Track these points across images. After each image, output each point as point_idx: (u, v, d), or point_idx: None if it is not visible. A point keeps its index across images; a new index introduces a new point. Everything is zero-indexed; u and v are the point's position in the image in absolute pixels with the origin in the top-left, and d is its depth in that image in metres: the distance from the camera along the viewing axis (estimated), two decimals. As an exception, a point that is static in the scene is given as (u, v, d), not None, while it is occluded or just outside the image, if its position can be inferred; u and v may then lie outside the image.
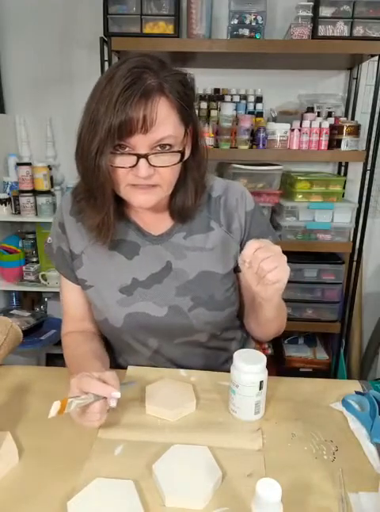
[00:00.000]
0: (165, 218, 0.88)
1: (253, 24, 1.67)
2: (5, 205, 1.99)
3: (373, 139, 1.73)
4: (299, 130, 1.74)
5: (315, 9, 1.62)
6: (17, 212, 1.98)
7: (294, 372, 2.01)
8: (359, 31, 1.63)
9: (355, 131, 1.74)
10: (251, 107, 1.90)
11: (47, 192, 1.95)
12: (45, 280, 2.01)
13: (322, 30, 1.62)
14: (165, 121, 0.71)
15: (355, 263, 1.90)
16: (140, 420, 0.75)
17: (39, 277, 2.02)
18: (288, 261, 0.70)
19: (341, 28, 1.63)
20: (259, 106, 1.91)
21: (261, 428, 0.73)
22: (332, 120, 1.79)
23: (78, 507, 0.57)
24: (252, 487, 0.49)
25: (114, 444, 0.69)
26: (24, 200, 1.93)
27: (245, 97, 1.91)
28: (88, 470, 0.64)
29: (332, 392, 0.84)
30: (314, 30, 1.62)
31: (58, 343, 0.99)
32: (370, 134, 1.73)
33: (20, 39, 2.02)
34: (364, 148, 1.74)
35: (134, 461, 0.66)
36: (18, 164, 1.95)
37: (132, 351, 0.93)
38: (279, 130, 1.73)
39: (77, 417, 0.67)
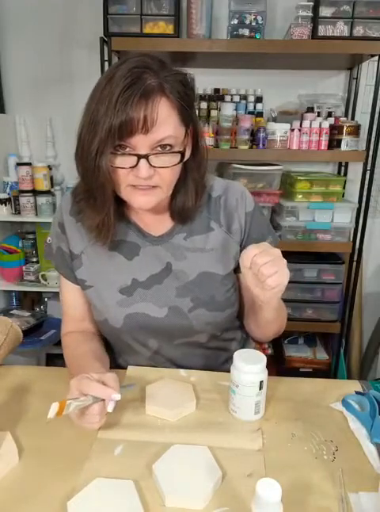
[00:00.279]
0: (165, 219, 0.88)
1: (253, 24, 1.67)
2: (5, 205, 1.99)
3: (373, 139, 1.73)
4: (299, 130, 1.74)
5: (315, 9, 1.62)
6: (17, 212, 1.98)
7: (294, 372, 2.01)
8: (359, 31, 1.63)
9: (355, 131, 1.74)
10: (251, 107, 1.90)
11: (47, 192, 1.95)
12: (45, 280, 2.01)
13: (322, 30, 1.62)
14: (165, 121, 0.71)
15: (355, 263, 1.90)
16: (140, 420, 0.75)
17: (39, 277, 2.02)
18: (288, 262, 0.70)
19: (341, 28, 1.63)
20: (259, 106, 1.91)
21: (261, 428, 0.73)
22: (332, 120, 1.79)
23: (78, 507, 0.57)
24: (252, 487, 0.49)
25: (114, 444, 0.69)
26: (24, 200, 1.94)
27: (245, 97, 1.91)
28: (88, 470, 0.64)
29: (332, 392, 0.84)
30: (314, 30, 1.62)
31: (58, 343, 0.99)
32: (370, 134, 1.73)
33: (20, 39, 2.02)
34: (364, 148, 1.74)
35: (134, 461, 0.66)
36: (18, 164, 1.95)
37: (132, 351, 0.93)
38: (279, 130, 1.73)
39: (77, 419, 0.67)
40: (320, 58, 1.72)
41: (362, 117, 1.85)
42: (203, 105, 1.84)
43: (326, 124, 1.73)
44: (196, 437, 0.70)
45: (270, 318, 0.85)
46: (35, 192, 1.94)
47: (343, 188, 1.86)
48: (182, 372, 0.89)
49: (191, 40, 1.71)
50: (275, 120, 1.89)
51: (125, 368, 0.90)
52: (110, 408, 0.66)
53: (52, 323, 2.05)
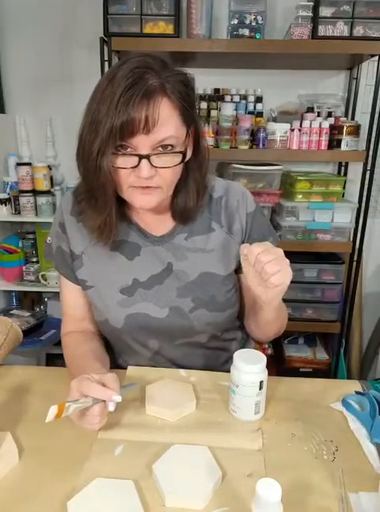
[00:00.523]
0: (166, 219, 0.88)
1: (253, 24, 1.67)
2: (5, 205, 1.99)
3: (373, 139, 1.73)
4: (299, 130, 1.74)
5: (315, 9, 1.62)
6: (17, 212, 1.98)
7: (294, 372, 2.01)
8: (359, 31, 1.63)
9: (355, 131, 1.74)
10: (251, 107, 1.90)
11: (47, 192, 1.95)
12: (45, 280, 2.01)
13: (322, 30, 1.62)
14: (167, 122, 0.71)
15: (355, 263, 1.90)
16: (140, 420, 0.75)
17: (39, 277, 2.02)
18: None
19: (341, 28, 1.63)
20: (259, 106, 1.91)
21: (261, 428, 0.73)
22: (332, 120, 1.79)
23: (78, 507, 0.57)
24: (252, 487, 0.49)
25: (114, 444, 0.69)
26: (24, 200, 1.94)
27: (245, 97, 1.91)
28: (88, 470, 0.64)
29: (332, 392, 0.84)
30: (314, 30, 1.62)
31: (58, 343, 0.99)
32: (370, 134, 1.73)
33: (20, 39, 2.02)
34: (364, 148, 1.74)
35: (134, 461, 0.66)
36: (18, 164, 1.95)
37: (132, 352, 0.93)
38: (279, 130, 1.73)
39: (77, 419, 0.67)
40: (320, 58, 1.72)
41: (362, 117, 1.85)
42: (203, 105, 1.84)
43: (326, 124, 1.73)
44: (196, 437, 0.70)
45: (270, 318, 0.85)
46: (35, 192, 1.94)
47: (343, 188, 1.86)
48: (182, 372, 0.89)
49: (191, 40, 1.71)
50: (275, 120, 1.89)
51: (125, 369, 0.90)
52: (111, 407, 0.66)
53: (52, 323, 2.05)
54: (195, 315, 0.86)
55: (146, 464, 0.64)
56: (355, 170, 1.98)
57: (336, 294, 1.92)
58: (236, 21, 1.67)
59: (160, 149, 0.73)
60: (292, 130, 1.74)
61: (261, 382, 0.73)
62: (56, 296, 2.08)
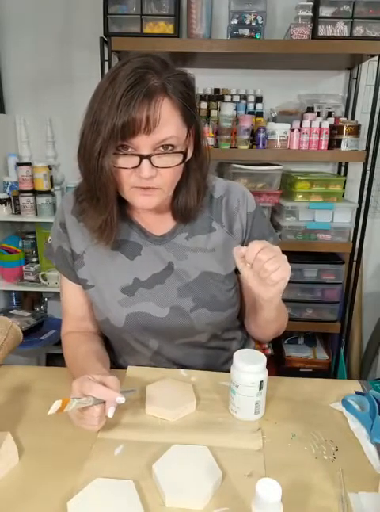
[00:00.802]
0: (167, 219, 0.88)
1: (253, 24, 1.67)
2: (5, 205, 1.98)
3: (373, 139, 1.73)
4: (299, 130, 1.74)
5: (315, 9, 1.61)
6: (17, 212, 1.98)
7: (294, 372, 2.01)
8: (358, 31, 1.63)
9: (355, 131, 1.74)
10: (251, 107, 1.90)
11: (47, 193, 1.95)
12: (45, 280, 2.02)
13: (322, 30, 1.62)
14: (168, 122, 0.71)
15: (355, 263, 1.90)
16: (140, 420, 0.75)
17: (39, 277, 2.02)
18: (288, 261, 0.71)
19: (341, 28, 1.62)
20: (259, 106, 1.91)
21: (261, 428, 0.73)
22: (332, 120, 1.79)
23: (78, 507, 0.57)
24: (252, 487, 0.49)
25: (114, 444, 0.69)
26: (24, 200, 1.94)
27: (245, 97, 1.91)
28: (88, 470, 0.64)
29: (332, 392, 0.84)
30: (314, 30, 1.62)
31: (58, 343, 0.99)
32: (370, 134, 1.73)
33: (21, 39, 2.02)
34: (364, 148, 1.74)
35: (134, 461, 0.66)
36: (18, 164, 1.95)
37: (133, 352, 0.93)
38: (279, 130, 1.73)
39: (77, 420, 0.68)
40: (320, 58, 1.72)
41: (362, 117, 1.85)
42: (203, 105, 1.84)
43: (326, 124, 1.73)
44: (196, 437, 0.70)
45: (271, 317, 0.85)
46: (35, 193, 1.94)
47: (344, 188, 1.86)
48: (182, 372, 0.89)
49: (191, 40, 1.71)
50: (275, 120, 1.89)
51: (125, 369, 0.90)
52: (110, 413, 0.66)
53: (52, 323, 2.05)
54: (196, 315, 0.86)
55: (146, 464, 0.64)
56: (355, 170, 1.98)
57: (336, 294, 1.92)
58: (236, 21, 1.67)
59: (161, 149, 0.73)
60: (292, 130, 1.74)
61: (261, 382, 0.73)
62: (56, 296, 2.08)
